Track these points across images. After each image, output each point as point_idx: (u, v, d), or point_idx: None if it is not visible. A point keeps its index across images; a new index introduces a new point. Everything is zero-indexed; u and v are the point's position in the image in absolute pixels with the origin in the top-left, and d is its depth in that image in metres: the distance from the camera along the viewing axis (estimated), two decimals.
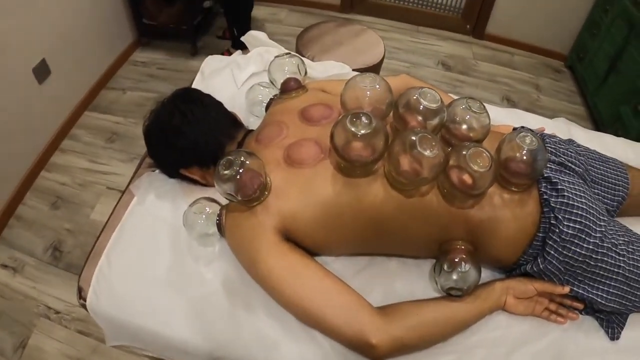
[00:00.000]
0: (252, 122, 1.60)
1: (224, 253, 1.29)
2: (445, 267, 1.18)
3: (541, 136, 1.42)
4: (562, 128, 1.84)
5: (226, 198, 1.16)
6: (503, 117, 1.80)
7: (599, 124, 3.32)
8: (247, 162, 1.12)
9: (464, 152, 1.10)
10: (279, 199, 1.16)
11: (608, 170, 1.47)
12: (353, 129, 1.06)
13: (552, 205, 1.19)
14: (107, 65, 3.38)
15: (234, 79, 1.79)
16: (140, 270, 1.30)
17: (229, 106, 1.48)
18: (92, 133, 3.04)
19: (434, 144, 1.05)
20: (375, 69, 2.62)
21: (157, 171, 1.50)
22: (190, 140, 1.33)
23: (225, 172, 1.10)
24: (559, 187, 1.21)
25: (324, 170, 1.17)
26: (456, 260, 1.17)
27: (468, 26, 4.29)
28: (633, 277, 1.23)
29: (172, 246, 1.33)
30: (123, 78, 3.44)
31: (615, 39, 3.29)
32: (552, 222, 1.18)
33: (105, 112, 3.18)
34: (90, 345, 2.06)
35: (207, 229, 1.26)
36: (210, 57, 1.94)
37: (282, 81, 1.48)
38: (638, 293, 1.25)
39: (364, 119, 1.07)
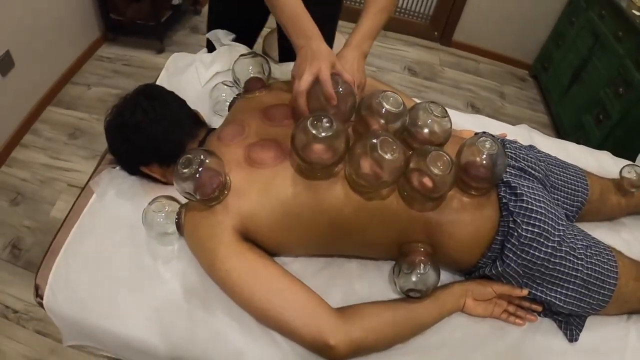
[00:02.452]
0: (215, 120, 1.58)
1: (183, 252, 1.27)
2: (404, 268, 1.19)
3: (502, 141, 1.44)
4: (524, 135, 1.87)
5: (185, 197, 1.15)
6: (466, 123, 1.81)
7: (561, 133, 3.38)
8: (207, 160, 1.10)
9: (424, 156, 1.10)
10: (239, 199, 1.15)
11: (568, 176, 1.50)
12: (314, 131, 1.05)
13: (511, 209, 1.20)
14: (72, 60, 3.31)
15: (198, 77, 1.77)
16: (98, 268, 1.28)
17: (193, 104, 1.46)
18: (54, 129, 2.97)
19: (394, 147, 1.06)
20: None
21: (118, 167, 1.48)
22: (151, 138, 1.31)
23: (184, 170, 1.09)
24: (518, 191, 1.22)
25: (284, 171, 1.17)
26: (415, 262, 1.18)
27: (435, 33, 4.32)
28: (591, 280, 1.25)
29: (130, 244, 1.31)
30: (88, 73, 3.38)
31: (579, 50, 3.36)
32: (510, 225, 1.20)
33: (69, 108, 3.11)
34: (49, 346, 2.02)
35: (166, 227, 1.24)
36: (176, 54, 1.91)
37: (245, 80, 1.47)
38: (596, 296, 1.27)
39: (325, 121, 1.07)
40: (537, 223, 1.18)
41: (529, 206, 1.20)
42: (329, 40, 1.99)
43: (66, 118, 3.04)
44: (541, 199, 1.24)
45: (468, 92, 3.87)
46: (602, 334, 1.34)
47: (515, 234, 1.18)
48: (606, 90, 2.98)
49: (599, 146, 2.06)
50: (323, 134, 1.06)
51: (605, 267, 1.29)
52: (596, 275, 1.26)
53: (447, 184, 1.11)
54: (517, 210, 1.20)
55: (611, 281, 1.28)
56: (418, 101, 1.38)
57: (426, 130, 1.22)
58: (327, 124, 1.06)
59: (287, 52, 1.93)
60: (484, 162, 1.17)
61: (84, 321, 1.24)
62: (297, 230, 1.18)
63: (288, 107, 1.34)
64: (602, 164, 1.85)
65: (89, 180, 1.48)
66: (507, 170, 1.29)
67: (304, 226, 1.17)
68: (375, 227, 1.20)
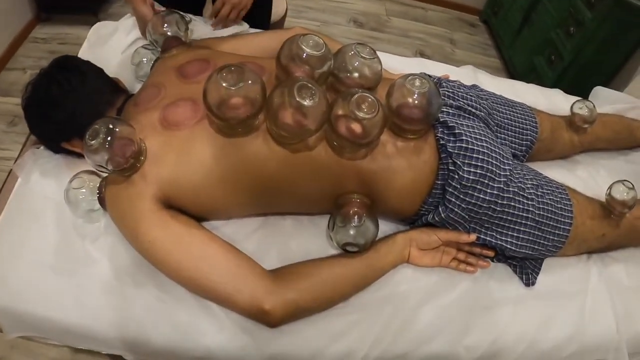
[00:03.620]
0: (138, 87, 1.50)
1: (111, 228, 1.20)
2: (338, 222, 1.13)
3: (437, 80, 1.38)
4: (469, 75, 1.83)
5: (98, 170, 1.08)
6: (409, 67, 1.73)
7: (514, 76, 3.39)
8: (115, 129, 1.03)
9: (348, 99, 1.03)
10: (156, 166, 1.08)
11: (515, 114, 1.46)
12: (225, 84, 0.98)
13: (450, 150, 1.15)
14: (5, 46, 3.15)
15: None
16: (28, 254, 1.21)
17: (115, 73, 1.40)
18: None
19: (313, 91, 0.99)
20: (276, 27, 2.50)
21: (42, 147, 1.40)
22: (68, 111, 1.23)
23: (92, 142, 1.01)
24: (457, 131, 1.17)
25: (202, 131, 1.10)
26: (349, 214, 1.13)
27: None
28: (544, 221, 1.22)
29: (58, 226, 1.24)
30: (23, 57, 3.24)
31: None
32: (450, 168, 1.15)
33: (6, 95, 2.98)
34: (9, 342, 1.94)
35: (91, 204, 1.18)
36: (98, 23, 1.82)
37: (163, 40, 1.39)
38: (550, 237, 1.24)
39: (235, 71, 1.00)
40: (479, 164, 1.14)
41: (470, 146, 1.15)
42: None
43: (4, 106, 2.92)
44: (483, 138, 1.19)
45: (417, 40, 3.84)
46: (561, 276, 1.33)
47: (456, 176, 1.14)
48: (557, 30, 2.99)
49: (552, 87, 2.04)
50: (235, 87, 0.98)
51: (559, 206, 1.26)
52: (549, 215, 1.23)
53: (376, 127, 1.05)
54: (456, 152, 1.15)
55: (566, 220, 1.25)
56: None
57: (355, 74, 1.15)
58: (238, 75, 0.99)
59: None
60: (416, 102, 1.10)
61: (20, 311, 1.18)
62: (222, 192, 1.12)
63: (204, 61, 1.26)
64: (554, 101, 1.83)
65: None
66: (444, 109, 1.23)
67: (229, 187, 1.11)
68: (305, 181, 1.14)
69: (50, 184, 1.32)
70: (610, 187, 1.33)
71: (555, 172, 1.50)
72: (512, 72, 3.46)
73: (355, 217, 1.12)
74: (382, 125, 1.06)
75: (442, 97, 1.25)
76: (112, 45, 1.68)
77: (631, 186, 1.31)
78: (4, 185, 1.37)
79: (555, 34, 2.99)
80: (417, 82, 1.10)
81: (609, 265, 1.38)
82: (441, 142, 1.17)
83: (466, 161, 1.13)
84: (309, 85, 0.99)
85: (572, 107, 1.57)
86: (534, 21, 3.26)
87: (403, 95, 1.11)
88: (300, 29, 1.45)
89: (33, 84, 1.27)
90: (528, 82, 2.03)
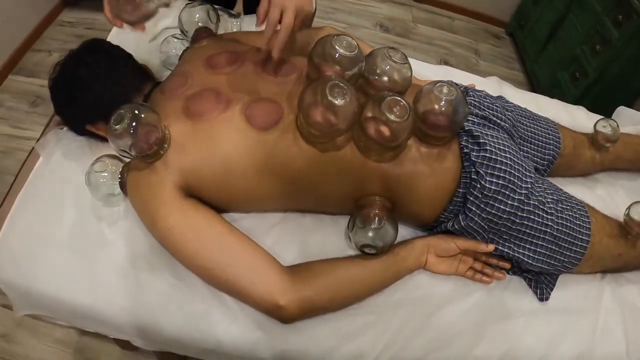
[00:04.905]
0: (166, 75, 1.51)
1: (129, 212, 1.21)
2: (358, 222, 1.13)
3: (465, 89, 1.38)
4: (494, 86, 1.82)
5: (121, 155, 1.09)
6: (435, 75, 1.73)
7: (537, 90, 3.33)
8: (141, 115, 1.04)
9: (380, 102, 1.03)
10: (179, 154, 1.08)
11: (539, 128, 1.45)
12: None
13: (473, 159, 1.14)
14: (32, 27, 3.18)
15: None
16: (44, 234, 1.22)
17: (144, 60, 1.40)
18: (15, 97, 2.87)
19: (345, 91, 0.99)
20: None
21: (65, 128, 1.40)
22: (95, 94, 1.23)
23: (117, 126, 1.02)
24: (481, 140, 1.16)
25: (227, 123, 1.10)
26: (370, 215, 1.12)
27: None
28: (562, 236, 1.21)
29: (76, 207, 1.25)
30: (50, 39, 3.25)
31: (556, 7, 3.31)
32: (473, 177, 1.14)
33: (31, 76, 3.00)
34: (15, 319, 1.95)
35: (112, 188, 1.19)
36: None
37: (193, 31, 1.40)
38: (567, 253, 1.23)
39: None
40: (502, 174, 1.13)
41: (493, 156, 1.14)
42: None
43: (27, 86, 2.94)
44: (507, 149, 1.18)
45: (442, 49, 3.82)
46: (574, 293, 1.31)
47: (478, 185, 1.13)
48: (583, 47, 2.95)
49: (575, 103, 2.03)
50: None
51: (577, 222, 1.24)
52: (567, 231, 1.22)
53: (405, 131, 1.05)
54: (479, 161, 1.14)
55: (583, 237, 1.24)
56: None
57: (385, 78, 1.15)
58: None
59: (251, 5, 1.85)
60: (442, 109, 1.10)
61: (31, 290, 1.19)
62: (244, 186, 1.12)
63: (232, 53, 1.26)
64: (576, 119, 1.81)
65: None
66: (470, 118, 1.23)
67: (252, 181, 1.11)
68: (330, 180, 1.14)
69: (71, 165, 1.32)
70: (629, 208, 1.32)
71: (575, 189, 1.49)
72: (535, 87, 3.43)
73: (376, 219, 1.12)
74: (411, 129, 1.06)
75: (469, 106, 1.24)
76: (140, 33, 1.68)
77: None
78: (24, 163, 1.38)
79: (580, 51, 2.95)
80: (445, 90, 1.10)
81: (623, 286, 1.37)
82: (465, 150, 1.17)
83: (489, 171, 1.13)
84: (341, 84, 0.99)
85: (595, 125, 1.56)
86: (560, 36, 3.23)
87: (430, 102, 1.11)
88: (330, 28, 1.45)
89: (62, 65, 1.27)
90: (551, 97, 2.01)
